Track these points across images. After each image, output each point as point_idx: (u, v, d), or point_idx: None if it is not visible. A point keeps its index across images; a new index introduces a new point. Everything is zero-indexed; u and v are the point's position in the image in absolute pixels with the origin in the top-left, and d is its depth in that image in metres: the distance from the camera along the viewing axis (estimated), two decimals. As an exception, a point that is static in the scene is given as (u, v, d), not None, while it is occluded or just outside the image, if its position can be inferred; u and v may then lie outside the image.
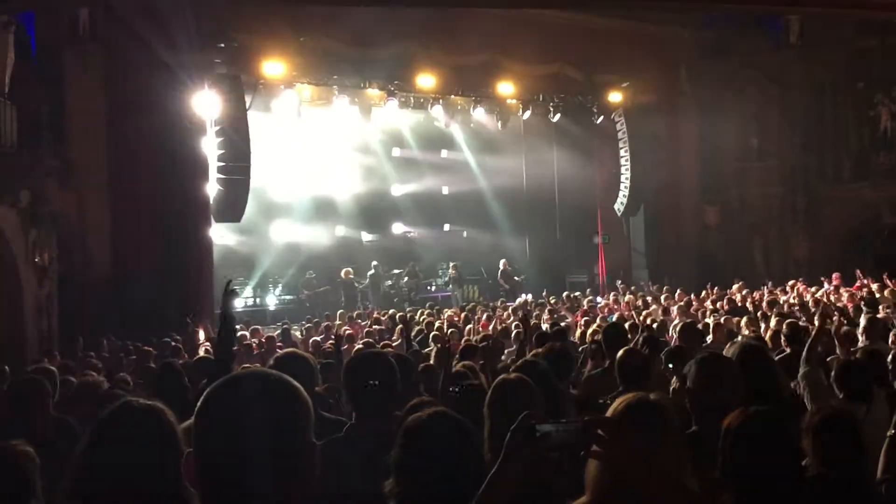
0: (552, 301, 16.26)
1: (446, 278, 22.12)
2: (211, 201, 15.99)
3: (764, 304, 12.45)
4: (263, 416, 1.55)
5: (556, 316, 13.33)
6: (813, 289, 15.21)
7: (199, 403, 1.61)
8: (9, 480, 2.77)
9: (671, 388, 4.89)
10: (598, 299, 17.72)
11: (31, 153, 12.31)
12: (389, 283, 21.69)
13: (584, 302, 16.36)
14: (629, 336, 5.54)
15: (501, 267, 21.62)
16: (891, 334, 7.49)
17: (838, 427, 3.11)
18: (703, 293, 15.50)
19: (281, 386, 1.63)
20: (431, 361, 6.31)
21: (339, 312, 16.63)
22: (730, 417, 2.63)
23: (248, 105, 16.34)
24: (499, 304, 17.26)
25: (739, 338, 8.19)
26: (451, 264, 22.23)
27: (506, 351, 8.01)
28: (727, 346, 4.25)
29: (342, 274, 20.25)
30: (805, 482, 2.81)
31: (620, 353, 4.07)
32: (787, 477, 2.54)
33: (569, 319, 13.03)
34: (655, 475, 1.77)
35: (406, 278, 22.06)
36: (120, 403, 2.23)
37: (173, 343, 10.40)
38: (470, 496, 1.85)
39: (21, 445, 2.83)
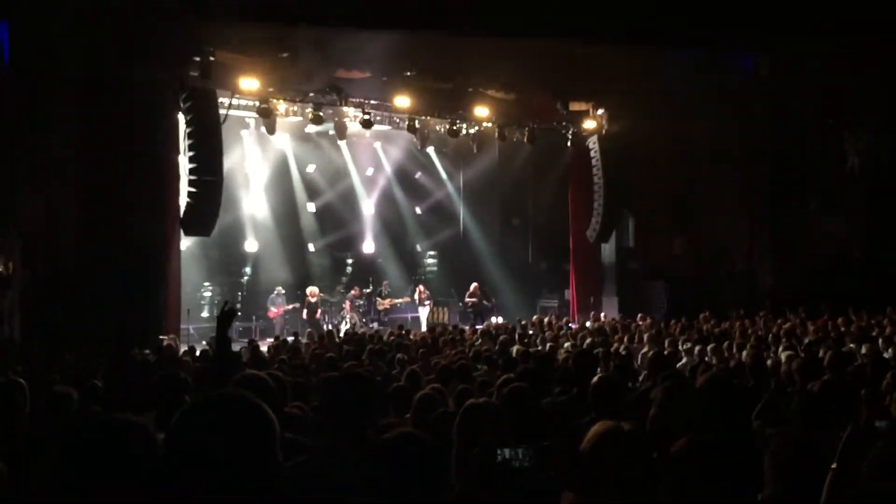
0: (522, 323, 16.27)
1: (415, 297, 22.04)
2: (181, 213, 15.89)
3: (735, 335, 12.54)
4: (230, 436, 1.54)
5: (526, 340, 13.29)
6: (779, 320, 15.37)
7: (171, 424, 1.60)
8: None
9: (651, 414, 4.91)
10: (571, 325, 17.77)
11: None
12: (360, 302, 21.57)
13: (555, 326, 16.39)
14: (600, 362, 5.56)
15: (471, 289, 21.61)
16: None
17: (797, 455, 3.12)
18: (672, 322, 15.60)
19: (247, 407, 1.63)
20: (402, 382, 6.27)
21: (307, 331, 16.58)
22: (678, 444, 2.62)
23: (222, 119, 16.27)
24: (467, 327, 17.28)
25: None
26: (419, 288, 22.23)
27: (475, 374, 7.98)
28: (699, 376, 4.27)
29: (308, 293, 20.10)
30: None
31: (594, 379, 4.07)
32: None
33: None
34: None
35: (377, 298, 21.99)
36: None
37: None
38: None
39: None
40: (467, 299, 21.73)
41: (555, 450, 1.67)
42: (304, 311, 20.16)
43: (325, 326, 20.25)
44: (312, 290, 20.17)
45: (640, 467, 2.05)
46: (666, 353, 9.20)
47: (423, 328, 19.03)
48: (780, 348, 10.83)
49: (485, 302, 21.58)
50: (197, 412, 1.59)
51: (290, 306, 20.75)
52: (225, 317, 4.81)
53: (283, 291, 21.02)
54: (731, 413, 3.77)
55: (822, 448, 3.49)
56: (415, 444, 2.19)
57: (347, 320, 21.11)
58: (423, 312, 22.02)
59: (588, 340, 12.43)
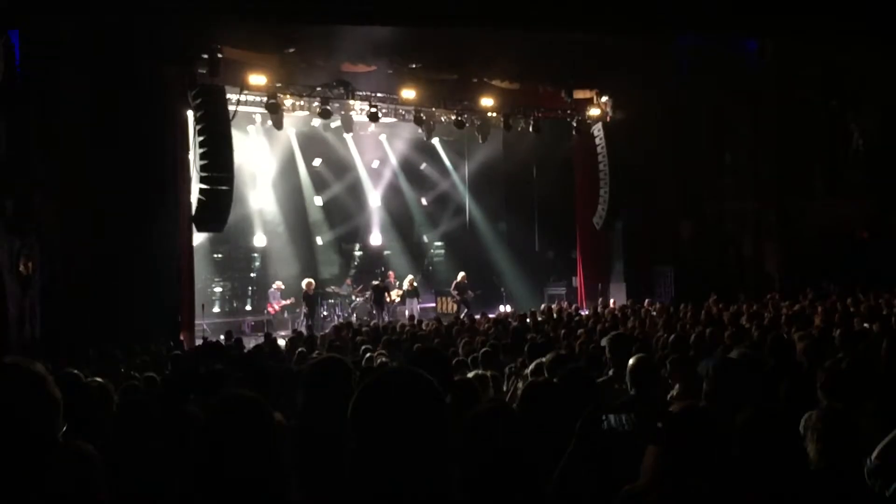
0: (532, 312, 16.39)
1: (405, 290, 21.93)
2: (193, 210, 16.04)
3: (744, 318, 12.68)
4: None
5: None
6: (787, 303, 15.51)
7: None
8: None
9: (669, 394, 5.09)
10: (581, 312, 17.92)
11: (17, 163, 12.27)
12: (369, 293, 21.65)
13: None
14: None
15: (458, 279, 21.58)
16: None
17: (837, 427, 3.29)
18: (682, 306, 15.75)
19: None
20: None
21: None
22: (743, 414, 2.78)
23: (231, 115, 16.40)
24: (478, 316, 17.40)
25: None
26: (409, 278, 22.21)
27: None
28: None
29: (303, 285, 20.09)
30: (809, 476, 2.98)
31: (633, 360, 4.25)
32: (793, 470, 2.70)
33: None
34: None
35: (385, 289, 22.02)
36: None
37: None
38: (435, 451, 1.81)
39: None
40: (452, 289, 21.63)
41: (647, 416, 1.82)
42: (304, 303, 20.11)
43: (335, 319, 20.41)
44: (309, 282, 20.09)
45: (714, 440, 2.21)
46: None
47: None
48: (792, 330, 10.99)
49: (469, 292, 21.46)
50: (382, 389, 1.72)
51: (288, 300, 20.78)
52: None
53: (283, 286, 21.04)
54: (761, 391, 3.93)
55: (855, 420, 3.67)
56: (504, 416, 2.34)
57: (356, 312, 21.24)
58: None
59: (599, 327, 12.54)
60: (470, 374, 4.67)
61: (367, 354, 9.39)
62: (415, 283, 21.81)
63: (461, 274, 21.58)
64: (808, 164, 20.54)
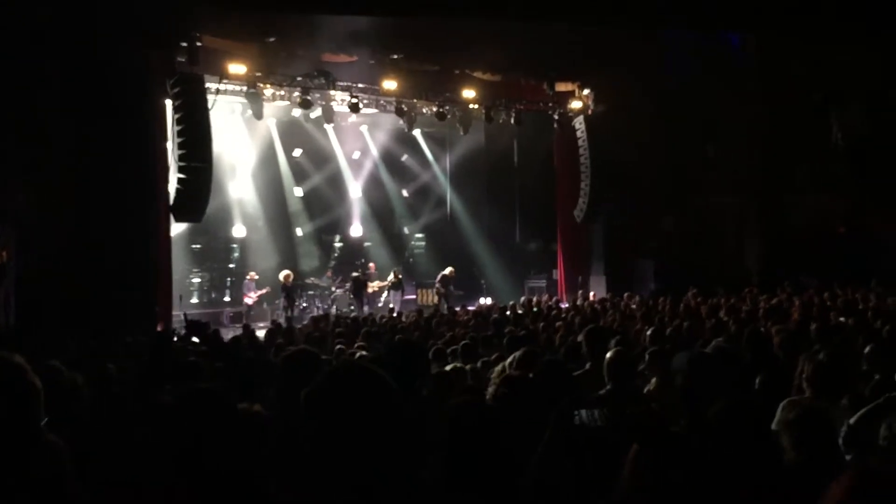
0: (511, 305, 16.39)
1: (390, 282, 21.89)
2: (171, 200, 15.89)
3: (722, 312, 12.74)
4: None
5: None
6: (765, 296, 15.59)
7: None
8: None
9: (647, 388, 5.08)
10: (562, 304, 17.94)
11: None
12: (348, 285, 21.57)
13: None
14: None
15: (446, 272, 21.52)
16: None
17: (812, 422, 3.29)
18: (660, 300, 15.79)
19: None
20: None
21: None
22: (716, 406, 2.76)
23: (210, 104, 16.25)
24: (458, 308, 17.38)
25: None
26: (393, 270, 22.16)
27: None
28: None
29: (281, 277, 19.95)
30: (784, 470, 2.98)
31: (610, 353, 4.24)
32: (766, 464, 2.69)
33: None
34: None
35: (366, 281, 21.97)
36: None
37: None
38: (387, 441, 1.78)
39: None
40: (437, 282, 21.57)
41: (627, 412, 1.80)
42: (283, 295, 19.89)
43: (315, 310, 20.34)
44: (287, 274, 19.95)
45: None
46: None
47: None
48: (769, 323, 11.06)
49: (451, 288, 21.42)
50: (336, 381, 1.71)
51: (263, 290, 20.61)
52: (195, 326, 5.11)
53: (256, 277, 20.83)
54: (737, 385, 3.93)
55: (833, 415, 3.68)
56: (480, 409, 2.31)
57: (335, 304, 21.17)
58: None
59: (578, 319, 12.54)
60: (448, 367, 4.64)
61: (338, 347, 9.34)
62: (399, 276, 21.78)
63: (450, 269, 21.57)
64: (791, 158, 20.61)
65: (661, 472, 2.02)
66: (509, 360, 5.29)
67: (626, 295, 17.07)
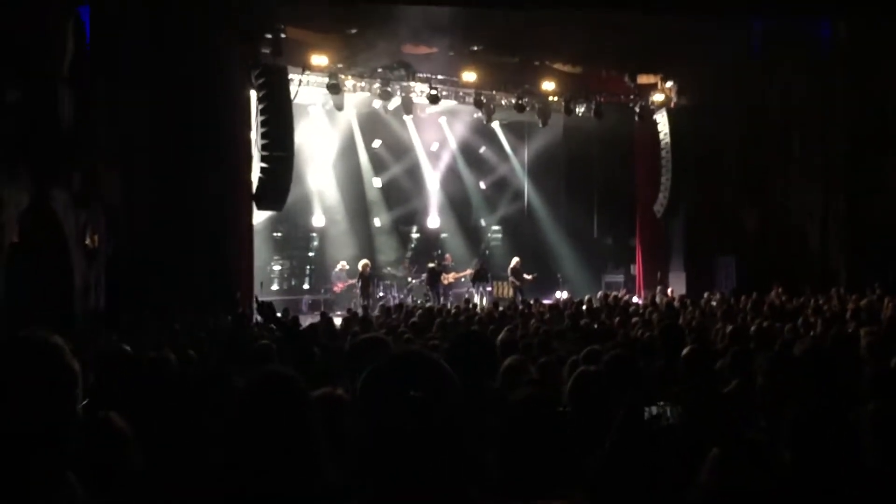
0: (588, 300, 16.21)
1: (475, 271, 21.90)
2: (254, 188, 16.25)
3: (809, 311, 12.34)
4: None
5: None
6: (854, 296, 15.02)
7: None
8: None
9: (727, 389, 4.95)
10: (635, 299, 17.68)
11: (83, 138, 12.54)
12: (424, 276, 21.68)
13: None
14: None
15: (513, 264, 21.41)
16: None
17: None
18: (742, 298, 15.39)
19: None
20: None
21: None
22: (790, 410, 2.67)
23: (293, 95, 16.54)
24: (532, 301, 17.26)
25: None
26: (475, 261, 22.15)
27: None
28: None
29: (359, 267, 20.16)
30: (867, 474, 2.85)
31: (686, 350, 4.14)
32: (849, 467, 2.58)
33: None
34: None
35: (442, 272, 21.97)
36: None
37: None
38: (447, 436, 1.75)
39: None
40: (509, 275, 21.43)
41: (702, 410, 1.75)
42: (359, 283, 20.12)
43: (391, 300, 20.50)
44: (365, 263, 20.20)
45: None
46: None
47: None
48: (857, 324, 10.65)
49: (526, 276, 21.25)
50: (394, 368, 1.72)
51: (352, 280, 20.89)
52: (265, 308, 5.28)
53: (347, 266, 21.18)
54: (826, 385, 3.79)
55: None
56: (545, 406, 2.29)
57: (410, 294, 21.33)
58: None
59: (655, 316, 12.32)
60: (507, 361, 4.61)
61: (406, 336, 9.41)
62: (485, 267, 21.75)
63: (515, 259, 21.44)
64: (879, 154, 19.76)
65: (739, 478, 1.96)
66: (584, 353, 5.23)
67: (706, 294, 16.68)
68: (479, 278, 21.46)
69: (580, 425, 2.53)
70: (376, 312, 16.04)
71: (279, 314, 7.03)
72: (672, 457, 2.11)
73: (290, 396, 2.15)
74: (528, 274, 21.32)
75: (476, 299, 19.86)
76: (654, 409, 1.74)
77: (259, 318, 11.68)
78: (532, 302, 16.88)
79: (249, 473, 2.03)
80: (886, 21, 17.24)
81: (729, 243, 20.52)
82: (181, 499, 2.90)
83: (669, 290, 19.18)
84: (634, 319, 11.90)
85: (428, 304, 18.46)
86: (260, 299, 6.52)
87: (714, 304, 14.92)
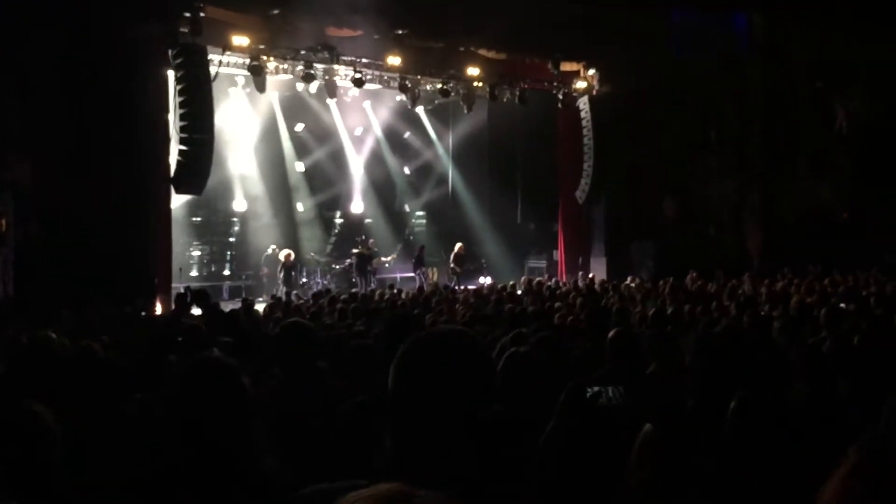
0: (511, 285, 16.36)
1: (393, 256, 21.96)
2: (171, 172, 15.79)
3: (724, 295, 12.70)
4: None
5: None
6: (766, 281, 15.54)
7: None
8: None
9: (648, 370, 5.03)
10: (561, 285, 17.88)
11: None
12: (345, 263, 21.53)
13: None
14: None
15: (456, 250, 21.55)
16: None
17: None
18: (661, 282, 15.74)
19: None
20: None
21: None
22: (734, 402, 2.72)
23: (212, 76, 16.11)
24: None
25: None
26: (458, 245, 22.15)
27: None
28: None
29: (281, 257, 19.90)
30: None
31: (612, 332, 4.18)
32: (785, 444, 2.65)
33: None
34: None
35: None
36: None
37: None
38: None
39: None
40: (451, 261, 21.59)
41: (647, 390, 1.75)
42: (281, 273, 19.88)
43: (314, 287, 20.28)
44: (288, 253, 19.98)
45: None
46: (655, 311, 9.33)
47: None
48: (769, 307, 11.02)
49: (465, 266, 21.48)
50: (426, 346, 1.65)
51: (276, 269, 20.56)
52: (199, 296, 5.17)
53: (278, 250, 20.86)
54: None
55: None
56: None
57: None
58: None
59: (579, 301, 12.48)
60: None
61: (327, 322, 9.36)
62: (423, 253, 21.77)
63: (459, 245, 21.53)
64: (793, 145, 20.51)
65: (679, 455, 1.97)
66: (510, 336, 5.24)
67: (628, 278, 17.02)
68: (421, 263, 21.49)
69: (513, 406, 2.52)
70: (303, 299, 15.83)
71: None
72: (617, 435, 2.12)
73: (227, 384, 2.08)
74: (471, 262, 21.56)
75: (418, 283, 19.87)
76: (596, 389, 1.73)
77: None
78: (456, 287, 16.96)
79: (183, 461, 1.95)
80: (801, 14, 17.81)
81: (648, 229, 20.97)
82: (107, 489, 2.78)
83: (591, 275, 19.48)
84: (558, 304, 12.04)
85: (354, 290, 18.33)
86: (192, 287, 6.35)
87: (633, 287, 15.22)
